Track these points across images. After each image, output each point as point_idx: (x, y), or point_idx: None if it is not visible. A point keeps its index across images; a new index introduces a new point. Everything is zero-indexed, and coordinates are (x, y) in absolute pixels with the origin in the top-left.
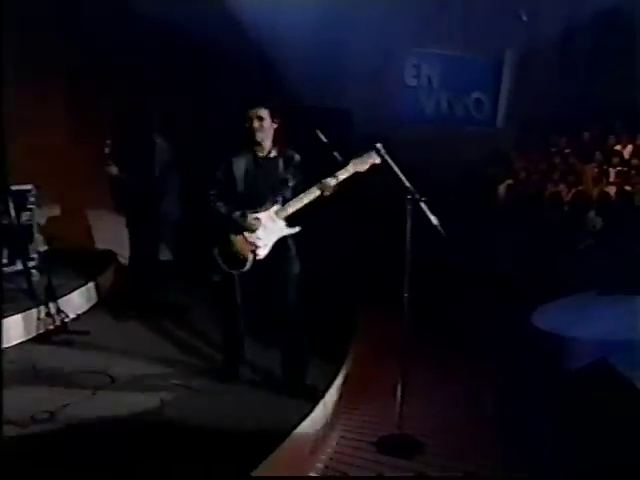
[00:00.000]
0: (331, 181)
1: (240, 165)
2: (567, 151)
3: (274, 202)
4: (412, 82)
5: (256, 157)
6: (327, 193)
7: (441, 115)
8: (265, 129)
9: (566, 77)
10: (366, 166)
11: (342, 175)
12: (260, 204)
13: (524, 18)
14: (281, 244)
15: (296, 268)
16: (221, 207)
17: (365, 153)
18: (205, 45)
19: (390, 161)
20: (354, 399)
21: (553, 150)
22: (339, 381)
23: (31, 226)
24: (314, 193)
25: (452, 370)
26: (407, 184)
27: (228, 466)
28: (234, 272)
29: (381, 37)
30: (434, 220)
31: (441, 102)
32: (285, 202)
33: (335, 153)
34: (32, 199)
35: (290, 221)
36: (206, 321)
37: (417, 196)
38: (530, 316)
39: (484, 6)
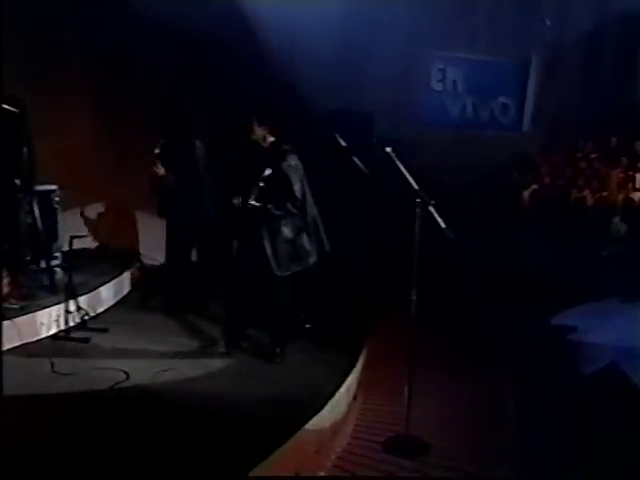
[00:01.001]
0: None
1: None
2: (593, 156)
3: None
4: (437, 86)
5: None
6: None
7: (466, 119)
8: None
9: (592, 81)
10: None
11: None
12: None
13: (547, 22)
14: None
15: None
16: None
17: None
18: (227, 47)
19: (400, 165)
20: (365, 399)
21: (579, 155)
22: (349, 381)
23: (55, 225)
24: None
25: (463, 372)
26: (416, 187)
27: (227, 465)
28: None
29: (406, 41)
30: (442, 224)
31: (466, 106)
32: None
33: (354, 157)
34: (56, 199)
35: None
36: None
37: (426, 200)
38: (551, 320)
39: (509, 10)
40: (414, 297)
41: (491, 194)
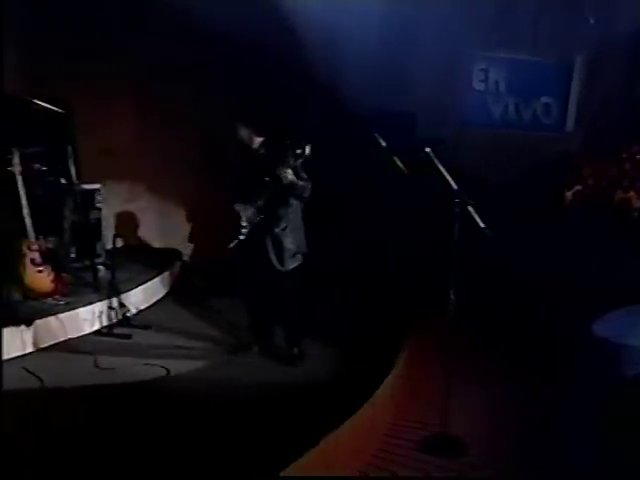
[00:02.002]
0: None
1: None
2: (639, 157)
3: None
4: (480, 86)
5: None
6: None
7: (508, 119)
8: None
9: (637, 80)
10: (298, 161)
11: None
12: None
13: (591, 21)
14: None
15: (288, 263)
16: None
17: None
18: (270, 46)
19: (439, 164)
20: (402, 398)
21: (624, 156)
22: (387, 381)
23: (99, 224)
24: (274, 184)
25: (502, 373)
26: (455, 187)
27: (262, 463)
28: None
29: (449, 41)
30: (481, 224)
31: (509, 106)
32: None
33: (395, 158)
34: (100, 198)
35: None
36: None
37: (465, 199)
38: (592, 323)
39: (553, 9)
40: (452, 297)
41: (535, 196)
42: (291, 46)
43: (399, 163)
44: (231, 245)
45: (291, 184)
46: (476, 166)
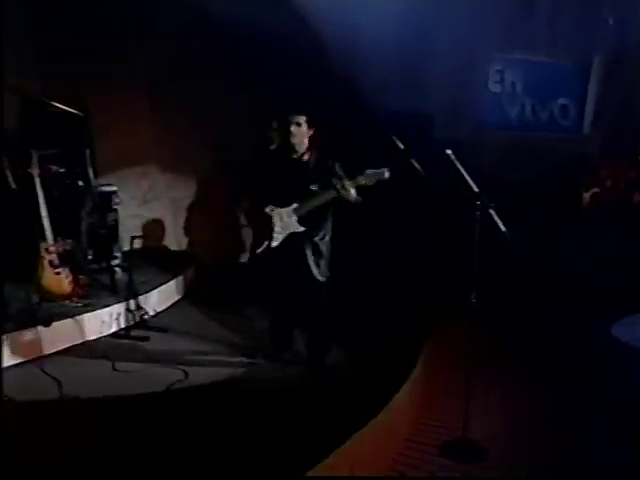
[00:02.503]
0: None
1: (273, 164)
2: None
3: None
4: (496, 88)
5: (289, 158)
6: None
7: (525, 121)
8: (301, 134)
9: None
10: (373, 182)
11: (353, 185)
12: (287, 202)
13: (610, 22)
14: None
15: (319, 273)
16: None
17: (377, 170)
18: (288, 45)
19: (460, 167)
20: (423, 402)
21: None
22: (408, 384)
23: (116, 226)
24: (328, 196)
25: (523, 377)
26: (476, 190)
27: (285, 465)
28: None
29: (464, 42)
30: (502, 227)
31: (525, 108)
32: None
33: (412, 160)
34: (117, 200)
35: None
36: None
37: (486, 202)
38: (612, 326)
39: (570, 10)
40: (474, 300)
41: (553, 198)
42: (307, 47)
43: (417, 165)
44: (259, 250)
45: (351, 200)
46: (492, 168)
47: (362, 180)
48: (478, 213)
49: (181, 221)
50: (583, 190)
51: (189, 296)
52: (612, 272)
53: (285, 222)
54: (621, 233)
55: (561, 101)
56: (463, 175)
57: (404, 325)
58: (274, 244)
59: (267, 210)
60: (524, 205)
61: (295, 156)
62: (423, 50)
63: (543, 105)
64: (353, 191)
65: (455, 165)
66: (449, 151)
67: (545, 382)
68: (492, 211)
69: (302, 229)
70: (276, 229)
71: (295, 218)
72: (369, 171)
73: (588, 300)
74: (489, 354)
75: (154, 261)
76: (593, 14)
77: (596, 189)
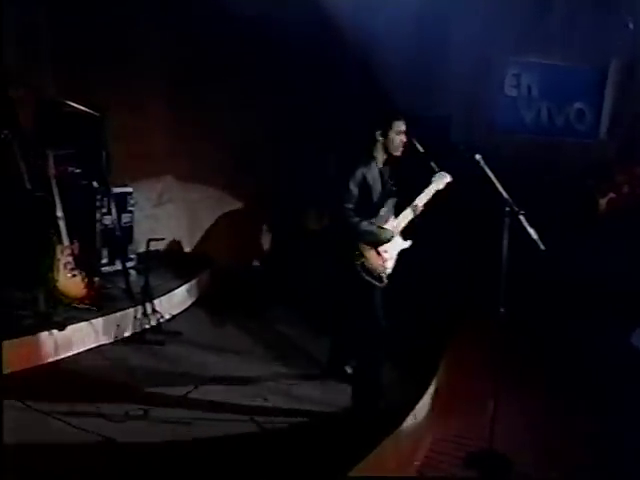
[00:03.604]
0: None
1: (371, 176)
2: None
3: (390, 214)
4: (512, 92)
5: (377, 168)
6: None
7: (541, 125)
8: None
9: None
10: (443, 185)
11: (426, 197)
12: (375, 216)
13: (631, 26)
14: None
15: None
16: (359, 220)
17: (439, 172)
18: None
19: (489, 173)
20: (443, 413)
21: None
22: (430, 393)
23: (131, 227)
24: (409, 215)
25: (546, 387)
26: (506, 196)
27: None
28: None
29: (481, 45)
30: (533, 234)
31: (541, 112)
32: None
33: (432, 163)
34: (132, 201)
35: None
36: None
37: (516, 209)
38: (630, 335)
39: (587, 13)
40: (502, 309)
41: (568, 203)
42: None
43: (436, 168)
44: (379, 281)
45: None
46: (507, 172)
47: (438, 186)
48: (507, 220)
49: (196, 223)
50: (599, 196)
51: (204, 299)
52: (629, 278)
53: (394, 240)
54: (638, 239)
55: (577, 105)
56: (493, 181)
57: (425, 333)
58: (390, 266)
59: (375, 229)
60: (539, 210)
61: (380, 165)
62: (440, 54)
63: (559, 109)
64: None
65: (484, 171)
66: (478, 156)
67: (571, 392)
68: (522, 217)
69: (408, 244)
70: (387, 249)
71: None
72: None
73: (606, 307)
74: (516, 364)
75: (169, 264)
76: (610, 17)
77: (612, 195)
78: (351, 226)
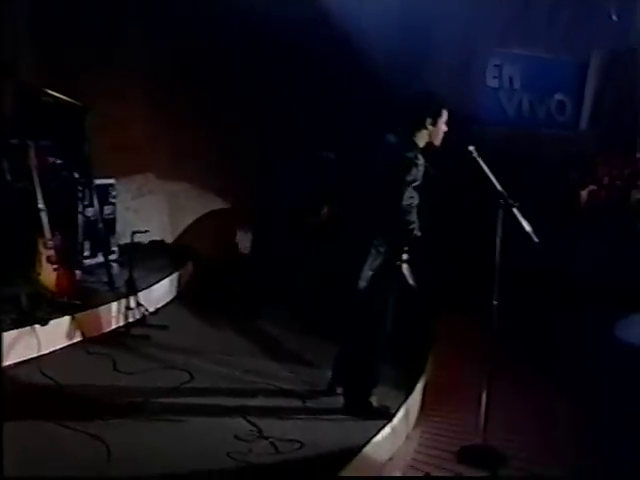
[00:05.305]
0: None
1: (417, 166)
2: None
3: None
4: (493, 83)
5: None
6: None
7: (522, 117)
8: None
9: None
10: None
11: None
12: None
13: (614, 17)
14: None
15: None
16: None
17: None
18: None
19: (483, 165)
20: (434, 407)
21: (639, 155)
22: (419, 388)
23: (113, 220)
24: None
25: (537, 381)
26: (500, 189)
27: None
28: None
29: (463, 37)
30: (527, 226)
31: (523, 104)
32: None
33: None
34: (114, 193)
35: None
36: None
37: (510, 201)
38: (614, 327)
39: (569, 5)
40: (495, 302)
41: (549, 195)
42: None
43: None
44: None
45: None
46: (488, 163)
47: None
48: (501, 212)
49: (178, 215)
50: (580, 187)
51: (188, 292)
52: (610, 270)
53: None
54: (620, 231)
55: (558, 97)
56: (486, 173)
57: (418, 326)
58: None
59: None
60: (520, 202)
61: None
62: (422, 45)
63: (540, 101)
64: None
65: (478, 162)
66: (472, 148)
67: (563, 385)
68: (516, 210)
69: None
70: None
71: None
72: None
73: (589, 300)
74: (509, 357)
75: (152, 256)
76: (593, 9)
77: (593, 186)
78: (408, 224)
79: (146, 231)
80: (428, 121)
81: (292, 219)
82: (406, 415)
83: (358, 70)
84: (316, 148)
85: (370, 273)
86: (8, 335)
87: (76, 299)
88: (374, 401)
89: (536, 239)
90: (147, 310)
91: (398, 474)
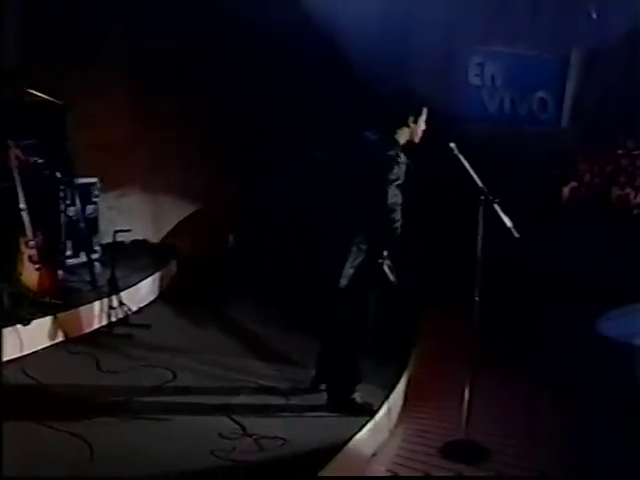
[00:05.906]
0: None
1: (400, 163)
2: (635, 153)
3: None
4: (475, 81)
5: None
6: None
7: (504, 114)
8: None
9: (635, 76)
10: None
11: None
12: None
13: (594, 16)
14: None
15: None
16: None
17: None
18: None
19: (464, 161)
20: (417, 403)
21: (620, 152)
22: (402, 385)
23: (96, 219)
24: None
25: (519, 376)
26: (480, 185)
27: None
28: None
29: (445, 36)
30: (508, 222)
31: (504, 101)
32: None
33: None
34: (97, 192)
35: None
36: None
37: (490, 197)
38: (597, 322)
39: (552, 3)
40: (477, 298)
41: (531, 192)
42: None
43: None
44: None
45: None
46: (470, 161)
47: None
48: (482, 208)
49: (160, 214)
50: (562, 184)
51: (171, 291)
52: (594, 266)
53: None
54: (601, 227)
55: (540, 94)
56: (467, 169)
57: (400, 323)
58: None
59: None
60: (502, 199)
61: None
62: (403, 43)
63: (522, 98)
64: None
65: (459, 159)
66: (453, 144)
67: (545, 380)
68: (497, 206)
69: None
70: None
71: None
72: None
73: (572, 296)
74: (491, 352)
75: (134, 255)
76: (573, 7)
77: (574, 183)
78: (393, 222)
79: (129, 230)
80: (410, 119)
81: (276, 218)
82: (389, 411)
83: (339, 69)
84: (303, 148)
85: (352, 271)
86: None
87: (58, 299)
88: (357, 398)
89: (517, 235)
90: (130, 309)
91: (382, 470)
